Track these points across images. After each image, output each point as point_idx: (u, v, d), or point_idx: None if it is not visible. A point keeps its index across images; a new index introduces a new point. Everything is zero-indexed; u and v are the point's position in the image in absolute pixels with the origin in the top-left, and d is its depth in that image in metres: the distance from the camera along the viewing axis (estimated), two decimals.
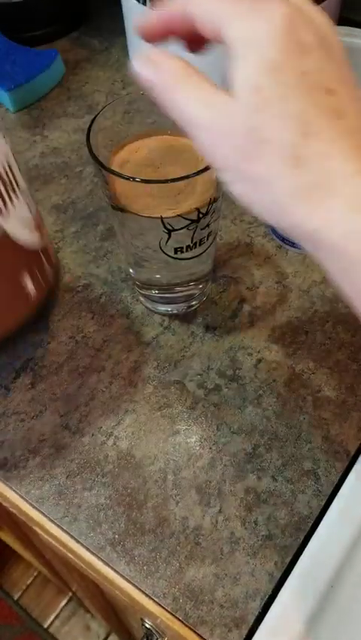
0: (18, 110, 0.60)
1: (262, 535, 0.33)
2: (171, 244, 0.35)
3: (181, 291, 0.42)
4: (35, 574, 1.13)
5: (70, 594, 1.08)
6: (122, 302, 0.44)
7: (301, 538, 0.33)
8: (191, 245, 0.36)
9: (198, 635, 0.31)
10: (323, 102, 0.20)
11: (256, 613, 0.31)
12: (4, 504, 0.38)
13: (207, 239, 0.37)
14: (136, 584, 0.32)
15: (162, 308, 0.43)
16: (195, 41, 0.25)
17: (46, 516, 0.35)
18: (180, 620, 0.31)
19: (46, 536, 0.37)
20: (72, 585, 0.86)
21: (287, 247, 0.46)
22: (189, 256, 0.37)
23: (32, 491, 0.36)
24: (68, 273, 0.46)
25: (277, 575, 0.32)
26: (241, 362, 0.40)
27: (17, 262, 0.36)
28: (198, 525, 0.34)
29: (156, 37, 0.25)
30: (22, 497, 0.36)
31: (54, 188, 0.53)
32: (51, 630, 1.07)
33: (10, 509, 0.38)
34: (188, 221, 0.34)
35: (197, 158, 0.36)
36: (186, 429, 0.38)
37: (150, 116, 0.37)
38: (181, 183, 0.31)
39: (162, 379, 0.40)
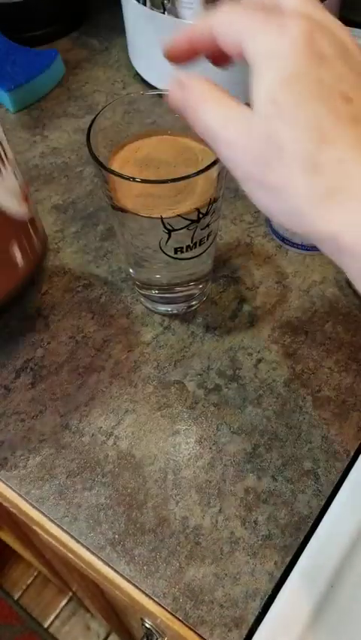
0: (18, 110, 0.60)
1: (262, 535, 0.33)
2: (171, 244, 0.35)
3: (181, 291, 0.42)
4: (35, 574, 1.13)
5: (70, 594, 1.08)
6: (122, 302, 0.44)
7: (301, 538, 0.33)
8: (191, 245, 0.36)
9: (198, 635, 0.31)
10: (341, 110, 0.20)
11: (256, 613, 0.31)
12: (4, 504, 0.38)
13: (207, 239, 0.37)
14: (136, 583, 0.32)
15: (162, 308, 0.43)
16: (220, 57, 0.26)
17: (46, 516, 0.35)
18: (180, 619, 0.31)
19: (46, 536, 0.37)
20: (72, 585, 0.86)
21: (287, 247, 0.46)
22: (189, 256, 0.37)
23: (32, 491, 0.36)
24: (68, 273, 0.46)
25: (277, 574, 0.32)
26: (241, 362, 0.40)
27: (6, 233, 0.36)
28: (198, 525, 0.34)
29: (183, 58, 0.27)
30: (22, 497, 0.36)
31: (54, 188, 0.53)
32: (51, 630, 1.07)
33: (10, 509, 0.38)
34: (188, 221, 0.34)
35: (197, 158, 0.36)
36: (186, 429, 0.38)
37: (150, 116, 0.37)
38: (181, 183, 0.31)
39: (162, 379, 0.40)
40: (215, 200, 0.34)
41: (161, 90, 0.38)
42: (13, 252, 0.35)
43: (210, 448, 0.37)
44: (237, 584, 0.32)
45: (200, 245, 0.36)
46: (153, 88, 0.60)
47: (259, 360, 0.40)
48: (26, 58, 0.61)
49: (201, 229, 0.35)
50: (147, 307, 0.44)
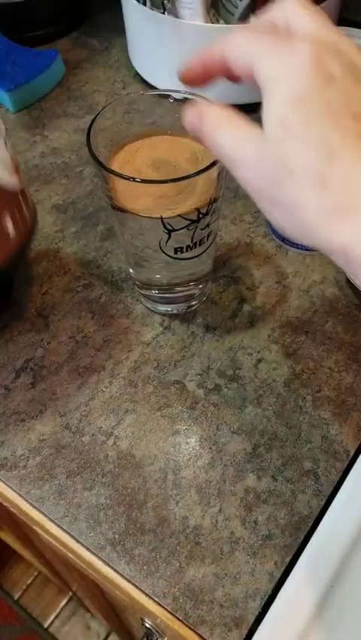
0: (18, 110, 0.60)
1: (262, 535, 0.33)
2: (171, 244, 0.35)
3: (181, 291, 0.42)
4: (35, 574, 1.13)
5: (70, 594, 1.08)
6: (122, 302, 0.44)
7: (301, 538, 0.33)
8: (191, 245, 0.36)
9: (198, 634, 0.31)
10: (349, 127, 0.21)
11: (256, 613, 0.31)
12: (4, 504, 0.38)
13: (207, 239, 0.37)
14: (136, 583, 0.32)
15: (162, 308, 0.43)
16: (234, 77, 0.27)
17: (46, 516, 0.35)
18: (180, 619, 0.31)
19: (46, 536, 0.37)
20: (72, 585, 0.86)
21: (287, 247, 0.46)
22: (189, 256, 0.37)
23: (32, 491, 0.36)
24: (68, 273, 0.46)
25: (277, 574, 0.32)
26: (241, 362, 0.40)
27: (5, 204, 0.36)
28: (198, 525, 0.34)
29: (197, 82, 0.28)
30: (22, 497, 0.36)
31: (54, 188, 0.53)
32: (51, 630, 1.07)
33: (10, 509, 0.38)
34: (188, 221, 0.34)
35: (197, 158, 0.36)
36: (186, 429, 0.38)
37: (150, 116, 0.37)
38: (181, 183, 0.31)
39: (162, 379, 0.40)
40: (215, 200, 0.34)
41: (161, 90, 0.38)
42: (5, 223, 0.35)
43: (210, 448, 0.37)
44: (237, 584, 0.32)
45: (200, 245, 0.36)
46: (153, 88, 0.60)
47: (259, 360, 0.40)
48: (26, 58, 0.61)
49: (201, 229, 0.35)
50: (147, 307, 0.44)
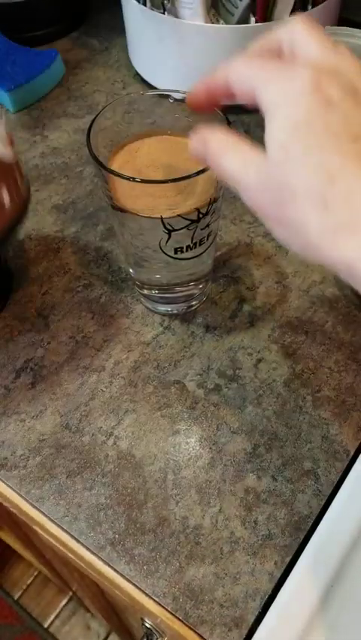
0: (18, 110, 0.60)
1: (262, 535, 0.33)
2: (171, 244, 0.35)
3: (181, 291, 0.42)
4: (35, 574, 1.13)
5: (70, 594, 1.08)
6: (122, 302, 0.44)
7: (301, 537, 0.33)
8: (191, 245, 0.36)
9: (198, 634, 0.31)
10: (349, 149, 0.22)
11: (256, 613, 0.31)
12: (4, 504, 0.38)
13: (207, 239, 0.37)
14: (136, 583, 0.32)
15: (162, 308, 0.43)
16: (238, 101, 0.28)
17: (46, 516, 0.35)
18: (180, 619, 0.31)
19: (46, 536, 0.37)
20: (72, 585, 0.86)
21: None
22: (189, 256, 0.37)
23: (32, 491, 0.36)
24: (68, 273, 0.46)
25: (277, 574, 0.32)
26: (241, 362, 0.40)
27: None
28: (198, 525, 0.34)
29: (203, 107, 0.29)
30: (22, 497, 0.36)
31: (54, 188, 0.53)
32: (51, 630, 1.07)
33: (10, 509, 0.38)
34: (188, 221, 0.34)
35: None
36: (186, 429, 0.38)
37: (150, 116, 0.37)
38: (181, 183, 0.31)
39: (162, 379, 0.40)
40: (215, 200, 0.34)
41: (161, 90, 0.38)
42: (2, 195, 0.36)
43: (210, 448, 0.37)
44: (237, 584, 0.32)
45: (200, 245, 0.36)
46: (153, 88, 0.60)
47: (259, 360, 0.40)
48: (26, 58, 0.61)
49: (201, 229, 0.35)
50: (147, 307, 0.44)
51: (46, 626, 1.08)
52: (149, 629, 0.39)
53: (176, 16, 0.52)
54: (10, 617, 1.08)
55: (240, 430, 0.37)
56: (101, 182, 0.35)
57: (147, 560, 0.33)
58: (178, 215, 0.33)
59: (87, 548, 0.34)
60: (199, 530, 0.34)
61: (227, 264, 0.46)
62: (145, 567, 0.33)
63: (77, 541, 0.34)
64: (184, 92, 0.36)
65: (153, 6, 0.53)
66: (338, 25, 0.49)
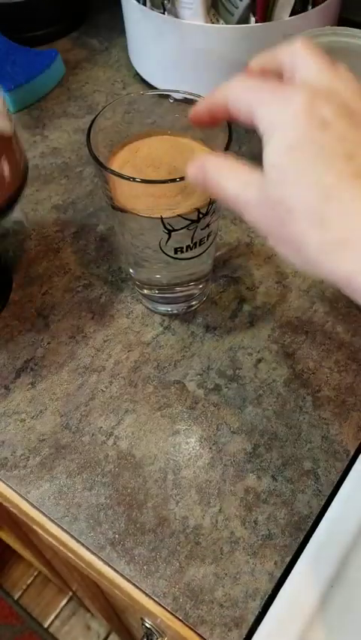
0: (18, 110, 0.60)
1: (262, 535, 0.33)
2: (171, 244, 0.35)
3: (181, 291, 0.42)
4: (35, 574, 1.13)
5: (70, 594, 1.08)
6: (122, 302, 0.44)
7: (301, 537, 0.33)
8: (191, 245, 0.36)
9: (198, 634, 0.31)
10: (343, 167, 0.22)
11: (256, 612, 0.31)
12: (4, 504, 0.38)
13: (207, 239, 0.37)
14: (136, 583, 0.32)
15: (162, 308, 0.43)
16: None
17: (46, 516, 0.35)
18: (180, 619, 0.31)
19: (46, 536, 0.37)
20: (72, 585, 0.86)
21: None
22: (189, 256, 0.37)
23: (32, 491, 0.36)
24: (68, 273, 0.46)
25: (277, 574, 0.32)
26: (241, 362, 0.40)
27: None
28: (198, 525, 0.34)
29: (205, 124, 0.30)
30: (22, 497, 0.36)
31: (54, 188, 0.53)
32: (51, 630, 1.07)
33: (10, 509, 0.38)
34: (188, 221, 0.34)
35: None
36: (186, 429, 0.38)
37: (150, 116, 0.37)
38: (181, 183, 0.31)
39: (162, 379, 0.40)
40: (215, 200, 0.34)
41: (161, 90, 0.38)
42: (2, 167, 0.36)
43: (210, 448, 0.37)
44: (237, 584, 0.32)
45: (200, 245, 0.36)
46: (153, 88, 0.60)
47: (259, 360, 0.40)
48: (26, 58, 0.61)
49: (201, 229, 0.35)
50: (147, 307, 0.44)
51: (46, 626, 1.08)
52: (149, 629, 0.39)
53: (176, 16, 0.52)
54: (10, 617, 1.08)
55: (240, 430, 0.37)
56: (101, 182, 0.35)
57: (147, 560, 0.33)
58: (178, 215, 0.33)
59: (87, 548, 0.34)
60: (199, 530, 0.34)
61: (227, 264, 0.46)
62: (145, 567, 0.33)
63: (77, 541, 0.34)
64: (184, 92, 0.36)
65: (153, 6, 0.53)
66: (338, 25, 0.49)
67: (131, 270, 0.42)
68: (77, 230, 0.49)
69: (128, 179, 0.31)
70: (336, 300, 0.43)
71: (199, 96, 0.36)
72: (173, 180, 0.31)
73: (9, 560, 1.14)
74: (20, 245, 0.49)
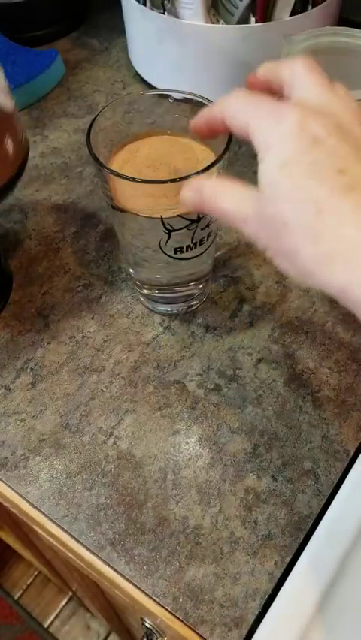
0: (18, 110, 0.60)
1: (262, 535, 0.33)
2: (171, 244, 0.35)
3: (181, 291, 0.42)
4: (35, 573, 1.13)
5: (70, 594, 1.08)
6: (122, 302, 0.44)
7: (301, 537, 0.33)
8: (191, 245, 0.36)
9: (198, 634, 0.31)
10: (335, 182, 0.23)
11: (256, 612, 0.31)
12: (4, 504, 0.38)
13: (207, 239, 0.37)
14: (136, 583, 0.32)
15: (162, 308, 0.43)
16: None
17: (46, 516, 0.35)
18: (180, 619, 0.31)
19: (46, 536, 0.37)
20: (72, 585, 0.86)
21: None
22: (189, 256, 0.37)
23: (32, 491, 0.36)
24: (68, 273, 0.46)
25: (277, 574, 0.32)
26: (241, 362, 0.40)
27: (2, 128, 0.37)
28: (198, 525, 0.34)
29: (204, 136, 0.30)
30: (22, 497, 0.36)
31: (54, 188, 0.53)
32: (51, 630, 1.07)
33: (10, 509, 0.38)
34: (188, 222, 0.34)
35: (197, 158, 0.36)
36: (186, 429, 0.38)
37: (150, 116, 0.37)
38: (181, 183, 0.31)
39: (162, 379, 0.40)
40: None
41: (161, 90, 0.38)
42: (6, 145, 0.36)
43: (210, 448, 0.37)
44: (237, 584, 0.32)
45: (200, 245, 0.36)
46: (153, 88, 0.60)
47: (259, 360, 0.41)
48: (26, 58, 0.61)
49: (201, 229, 0.35)
50: (147, 307, 0.44)
51: (46, 626, 1.08)
52: (149, 629, 0.39)
53: (176, 16, 0.52)
54: (10, 617, 1.08)
55: (240, 430, 0.37)
56: (101, 182, 0.35)
57: (147, 560, 0.33)
58: (178, 215, 0.33)
59: (87, 548, 0.34)
60: (199, 530, 0.34)
61: (227, 264, 0.46)
62: (145, 567, 0.33)
63: (77, 541, 0.34)
64: (184, 92, 0.36)
65: (153, 6, 0.53)
66: (338, 25, 0.49)
67: (131, 270, 0.42)
68: (77, 230, 0.49)
69: (128, 179, 0.31)
70: (336, 300, 0.43)
71: (199, 96, 0.36)
72: (173, 180, 0.31)
73: (9, 559, 1.14)
74: (20, 245, 0.49)
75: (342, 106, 0.25)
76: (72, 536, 0.34)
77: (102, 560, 0.33)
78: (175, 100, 0.37)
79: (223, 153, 0.32)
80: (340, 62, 0.45)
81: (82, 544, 0.34)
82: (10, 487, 0.36)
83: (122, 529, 0.34)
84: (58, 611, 1.10)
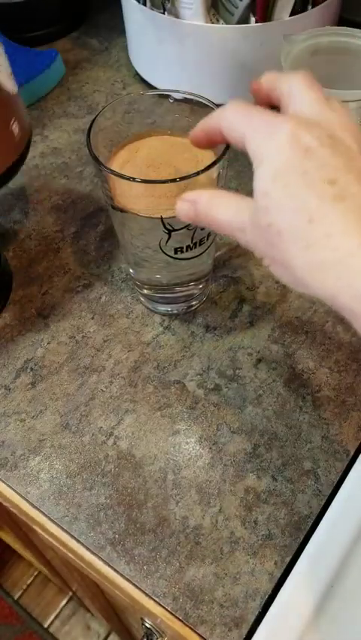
0: None
1: (262, 535, 0.33)
2: (171, 244, 0.35)
3: (181, 291, 0.42)
4: (35, 573, 1.13)
5: (70, 594, 1.08)
6: (122, 302, 0.44)
7: (301, 537, 0.33)
8: (191, 245, 0.36)
9: (198, 634, 0.31)
10: (325, 192, 0.23)
11: (256, 612, 0.31)
12: (5, 504, 0.38)
13: (207, 239, 0.37)
14: (136, 583, 0.32)
15: (162, 308, 0.43)
16: None
17: (46, 516, 0.35)
18: (180, 619, 0.31)
19: (46, 536, 0.37)
20: (72, 585, 0.86)
21: None
22: (189, 256, 0.37)
23: (32, 491, 0.36)
24: (68, 273, 0.46)
25: (277, 574, 0.32)
26: (241, 362, 0.40)
27: (7, 110, 0.38)
28: (198, 525, 0.34)
29: (203, 146, 0.31)
30: (22, 497, 0.36)
31: (54, 188, 0.53)
32: (51, 630, 1.07)
33: (11, 509, 0.38)
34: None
35: (197, 158, 0.36)
36: (186, 429, 0.38)
37: (150, 116, 0.37)
38: (181, 183, 0.31)
39: (162, 379, 0.40)
40: None
41: (161, 90, 0.38)
42: (12, 126, 0.37)
43: (210, 448, 0.37)
44: (237, 584, 0.32)
45: (200, 245, 0.36)
46: (153, 88, 0.60)
47: (259, 360, 0.41)
48: (26, 58, 0.61)
49: (201, 229, 0.35)
50: (147, 307, 0.44)
51: (46, 626, 1.08)
52: (149, 629, 0.39)
53: (176, 16, 0.52)
54: (10, 617, 1.08)
55: (240, 430, 0.37)
56: (101, 182, 0.35)
57: (147, 559, 0.33)
58: None
59: (87, 548, 0.34)
60: (199, 530, 0.34)
61: (227, 264, 0.46)
62: (145, 567, 0.33)
63: (77, 541, 0.34)
64: (184, 92, 0.36)
65: (153, 6, 0.53)
66: (338, 25, 0.49)
67: (131, 270, 0.42)
68: (77, 230, 0.49)
69: (128, 179, 0.31)
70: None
71: (199, 96, 0.36)
72: (173, 180, 0.31)
73: (9, 560, 1.14)
74: (20, 245, 0.49)
75: (335, 118, 0.26)
76: (72, 536, 0.34)
77: (102, 560, 0.33)
78: (175, 100, 0.37)
79: (223, 153, 0.32)
80: (340, 62, 0.45)
81: (82, 544, 0.34)
82: (10, 487, 0.36)
83: (122, 529, 0.34)
84: (58, 611, 1.10)
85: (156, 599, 0.32)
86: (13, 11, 0.65)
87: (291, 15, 0.51)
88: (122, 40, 0.65)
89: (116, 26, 0.69)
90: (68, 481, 0.36)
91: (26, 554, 0.95)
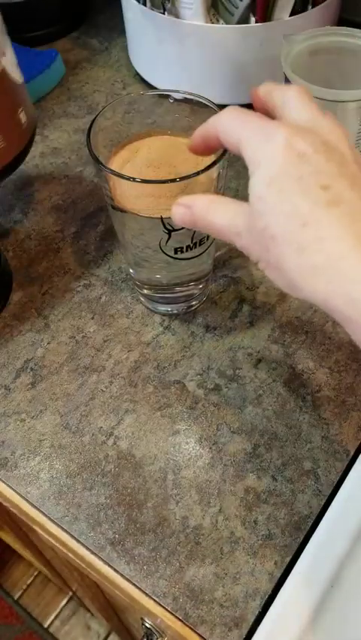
0: None
1: (262, 535, 0.33)
2: (171, 244, 0.35)
3: (181, 291, 0.42)
4: (35, 573, 1.13)
5: (70, 594, 1.08)
6: (122, 302, 0.44)
7: (301, 537, 0.33)
8: (191, 245, 0.36)
9: (198, 634, 0.31)
10: (318, 197, 0.24)
11: (256, 612, 0.31)
12: (5, 504, 0.38)
13: (207, 239, 0.37)
14: (136, 583, 0.32)
15: (162, 308, 0.43)
16: None
17: (46, 516, 0.35)
18: (180, 619, 0.31)
19: (46, 536, 0.37)
20: (72, 585, 0.86)
21: None
22: (189, 256, 0.37)
23: (32, 491, 0.36)
24: (68, 273, 0.46)
25: (277, 574, 0.32)
26: (241, 362, 0.40)
27: (16, 99, 0.38)
28: (198, 525, 0.34)
29: (201, 152, 0.31)
30: (22, 497, 0.36)
31: (54, 188, 0.53)
32: (51, 630, 1.07)
33: (11, 509, 0.38)
34: None
35: (197, 158, 0.36)
36: (186, 429, 0.38)
37: (150, 116, 0.37)
38: (181, 183, 0.31)
39: (162, 379, 0.40)
40: None
41: (161, 90, 0.38)
42: (20, 114, 0.38)
43: (210, 448, 0.37)
44: (237, 584, 0.32)
45: (200, 245, 0.37)
46: (153, 88, 0.60)
47: (259, 360, 0.41)
48: (26, 58, 0.61)
49: None
50: (147, 307, 0.44)
51: (46, 626, 1.08)
52: (149, 629, 0.39)
53: (176, 16, 0.52)
54: (10, 617, 1.08)
55: (240, 430, 0.37)
56: (101, 182, 0.35)
57: (147, 560, 0.33)
58: None
59: (87, 548, 0.34)
60: (199, 530, 0.34)
61: (227, 264, 0.46)
62: (145, 567, 0.33)
63: (77, 541, 0.34)
64: (184, 92, 0.36)
65: (153, 6, 0.53)
66: (338, 25, 0.49)
67: (131, 270, 0.42)
68: (77, 230, 0.49)
69: (128, 179, 0.31)
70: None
71: (199, 96, 0.36)
72: (173, 180, 0.31)
73: (9, 560, 1.14)
74: (20, 245, 0.49)
75: (328, 125, 0.27)
76: (72, 536, 0.34)
77: (102, 560, 0.33)
78: (175, 100, 0.37)
79: (223, 153, 0.32)
80: (340, 62, 0.45)
81: (82, 544, 0.34)
82: (10, 487, 0.36)
83: (123, 529, 0.34)
84: (58, 611, 1.10)
85: (156, 599, 0.32)
86: (13, 11, 0.65)
87: (291, 15, 0.51)
88: (122, 40, 0.65)
89: (116, 26, 0.69)
90: (68, 481, 0.36)
91: (26, 554, 0.95)
